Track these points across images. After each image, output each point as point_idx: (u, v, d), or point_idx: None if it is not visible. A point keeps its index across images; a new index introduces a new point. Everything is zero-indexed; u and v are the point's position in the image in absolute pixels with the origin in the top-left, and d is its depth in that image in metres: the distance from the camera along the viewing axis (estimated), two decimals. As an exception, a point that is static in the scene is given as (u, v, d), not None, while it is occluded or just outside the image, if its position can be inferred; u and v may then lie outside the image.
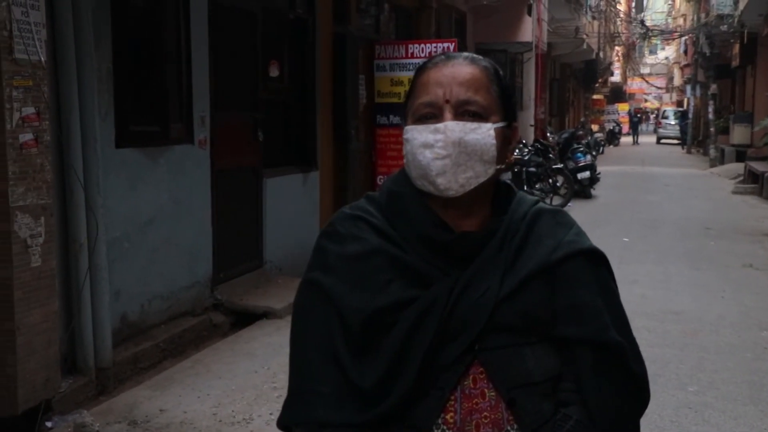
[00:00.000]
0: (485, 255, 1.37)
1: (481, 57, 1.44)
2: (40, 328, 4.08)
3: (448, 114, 1.36)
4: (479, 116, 1.37)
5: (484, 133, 1.36)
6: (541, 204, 1.47)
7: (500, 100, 1.40)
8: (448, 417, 1.33)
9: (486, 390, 1.34)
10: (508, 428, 1.34)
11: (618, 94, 51.99)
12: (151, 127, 5.65)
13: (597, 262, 1.41)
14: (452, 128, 1.34)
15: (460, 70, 1.38)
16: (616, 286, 1.44)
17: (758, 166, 16.57)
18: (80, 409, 4.34)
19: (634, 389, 1.39)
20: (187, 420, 4.22)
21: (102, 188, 4.74)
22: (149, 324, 5.48)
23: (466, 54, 1.43)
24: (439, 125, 1.35)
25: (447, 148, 1.34)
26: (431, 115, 1.37)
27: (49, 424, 4.14)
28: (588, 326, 1.36)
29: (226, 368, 5.03)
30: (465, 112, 1.36)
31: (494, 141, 1.36)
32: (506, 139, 1.41)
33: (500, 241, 1.38)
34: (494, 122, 1.37)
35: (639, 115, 46.03)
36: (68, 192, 4.56)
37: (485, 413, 1.33)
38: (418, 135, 1.37)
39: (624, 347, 1.37)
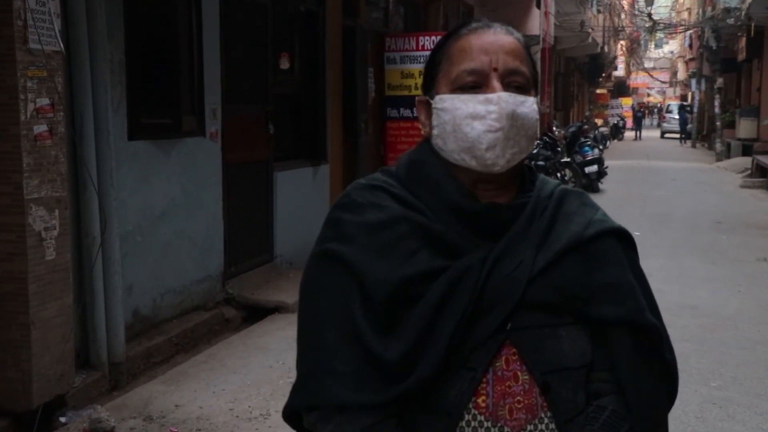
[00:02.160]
0: (516, 228, 1.29)
1: (512, 28, 1.36)
2: (54, 323, 4.03)
3: (495, 83, 1.27)
4: (523, 89, 1.29)
5: (530, 106, 1.29)
6: (564, 185, 1.42)
7: (534, 74, 1.34)
8: (479, 401, 1.23)
9: (519, 372, 1.24)
10: (542, 415, 1.24)
11: (622, 88, 51.86)
12: (163, 120, 5.59)
13: (628, 242, 1.36)
14: (506, 99, 1.26)
15: (503, 38, 1.30)
16: None
17: (766, 160, 16.49)
18: (94, 405, 4.29)
19: (668, 379, 1.33)
20: (204, 415, 4.16)
21: (115, 181, 4.68)
22: (161, 318, 5.43)
23: (499, 24, 1.35)
24: (491, 95, 1.26)
25: (500, 121, 1.25)
26: (475, 84, 1.28)
27: (63, 419, 4.09)
28: (625, 306, 1.28)
29: (241, 363, 4.97)
30: (511, 83, 1.28)
31: (537, 116, 1.31)
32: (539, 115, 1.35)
33: (529, 216, 1.31)
34: (533, 96, 1.31)
35: (642, 110, 45.83)
36: (81, 184, 4.50)
37: (518, 397, 1.23)
38: (462, 105, 1.27)
39: (661, 331, 1.31)
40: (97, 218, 4.54)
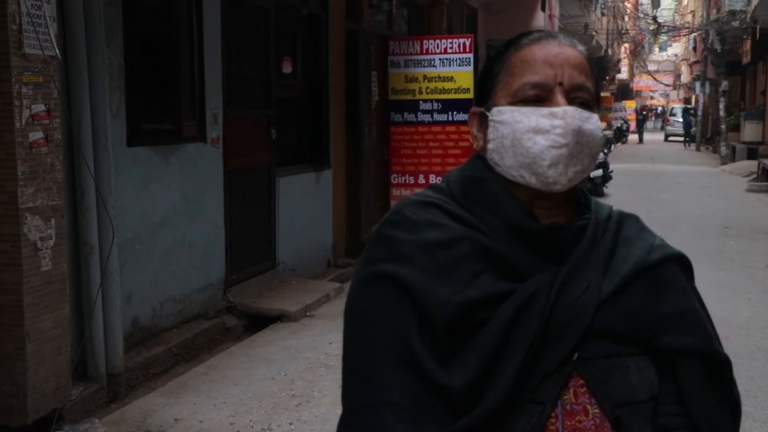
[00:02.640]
0: (579, 251, 1.21)
1: (576, 40, 1.28)
2: (50, 335, 3.93)
3: (560, 98, 1.19)
4: (587, 105, 1.21)
5: (595, 123, 1.21)
6: (618, 208, 1.35)
7: (596, 90, 1.26)
8: None
9: (588, 406, 1.16)
10: None
11: (625, 91, 51.67)
12: (163, 125, 5.50)
13: (689, 270, 1.29)
14: (572, 114, 1.17)
15: (569, 52, 1.22)
16: None
17: (772, 164, 16.36)
18: (91, 418, 4.19)
19: (734, 414, 1.25)
20: (204, 430, 4.05)
21: (113, 188, 4.58)
22: (161, 328, 5.32)
23: (563, 35, 1.28)
24: (557, 109, 1.18)
25: (566, 137, 1.17)
26: (537, 98, 1.20)
27: (59, 433, 3.98)
28: (695, 336, 1.21)
29: (242, 374, 4.86)
30: (575, 99, 1.20)
31: (602, 134, 1.23)
32: None
33: (591, 239, 1.23)
34: (596, 113, 1.23)
35: (644, 112, 45.59)
36: (79, 192, 4.40)
37: None
38: (524, 118, 1.19)
39: (730, 365, 1.24)
40: (96, 226, 4.44)
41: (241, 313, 6.10)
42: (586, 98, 1.21)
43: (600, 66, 33.22)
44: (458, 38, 8.39)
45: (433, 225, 1.19)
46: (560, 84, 1.19)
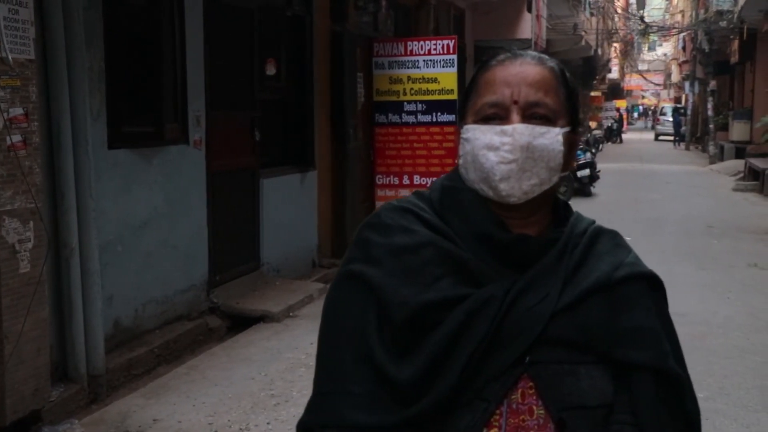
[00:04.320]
0: (544, 262, 1.28)
1: (548, 57, 1.35)
2: (29, 336, 3.95)
3: (515, 116, 1.27)
4: (547, 120, 1.28)
5: (553, 138, 1.27)
6: (599, 224, 1.40)
7: (567, 104, 1.31)
8: None
9: (534, 407, 1.22)
10: None
11: (616, 91, 51.82)
12: (144, 128, 5.52)
13: (657, 288, 1.33)
14: (521, 131, 1.25)
15: (528, 70, 1.29)
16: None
17: (759, 163, 16.49)
18: (71, 419, 4.22)
19: (689, 429, 1.29)
20: (182, 430, 4.09)
21: (94, 191, 4.60)
22: (143, 329, 5.35)
23: (533, 53, 1.35)
24: (507, 127, 1.26)
25: (514, 153, 1.25)
26: (496, 115, 1.28)
27: (39, 435, 4.01)
28: (649, 351, 1.25)
29: (222, 375, 4.89)
30: (533, 114, 1.27)
31: (562, 147, 1.28)
32: (571, 144, 1.33)
33: (560, 251, 1.29)
34: (561, 126, 1.29)
35: (620, 114, 45.32)
36: (59, 195, 4.42)
37: None
38: (481, 135, 1.28)
39: (684, 380, 1.28)
40: (76, 229, 4.47)
41: (224, 314, 6.13)
42: (543, 113, 1.27)
43: (589, 66, 33.32)
44: (442, 39, 8.43)
45: (405, 230, 1.29)
46: (515, 102, 1.27)
